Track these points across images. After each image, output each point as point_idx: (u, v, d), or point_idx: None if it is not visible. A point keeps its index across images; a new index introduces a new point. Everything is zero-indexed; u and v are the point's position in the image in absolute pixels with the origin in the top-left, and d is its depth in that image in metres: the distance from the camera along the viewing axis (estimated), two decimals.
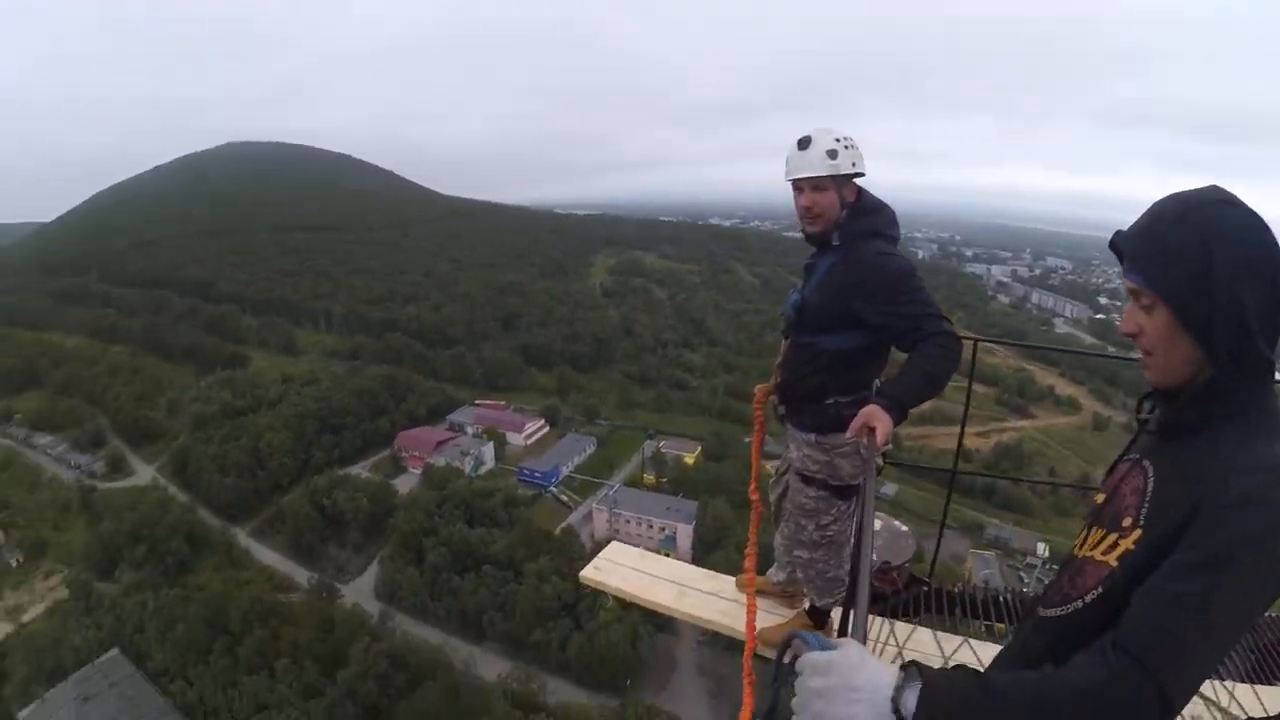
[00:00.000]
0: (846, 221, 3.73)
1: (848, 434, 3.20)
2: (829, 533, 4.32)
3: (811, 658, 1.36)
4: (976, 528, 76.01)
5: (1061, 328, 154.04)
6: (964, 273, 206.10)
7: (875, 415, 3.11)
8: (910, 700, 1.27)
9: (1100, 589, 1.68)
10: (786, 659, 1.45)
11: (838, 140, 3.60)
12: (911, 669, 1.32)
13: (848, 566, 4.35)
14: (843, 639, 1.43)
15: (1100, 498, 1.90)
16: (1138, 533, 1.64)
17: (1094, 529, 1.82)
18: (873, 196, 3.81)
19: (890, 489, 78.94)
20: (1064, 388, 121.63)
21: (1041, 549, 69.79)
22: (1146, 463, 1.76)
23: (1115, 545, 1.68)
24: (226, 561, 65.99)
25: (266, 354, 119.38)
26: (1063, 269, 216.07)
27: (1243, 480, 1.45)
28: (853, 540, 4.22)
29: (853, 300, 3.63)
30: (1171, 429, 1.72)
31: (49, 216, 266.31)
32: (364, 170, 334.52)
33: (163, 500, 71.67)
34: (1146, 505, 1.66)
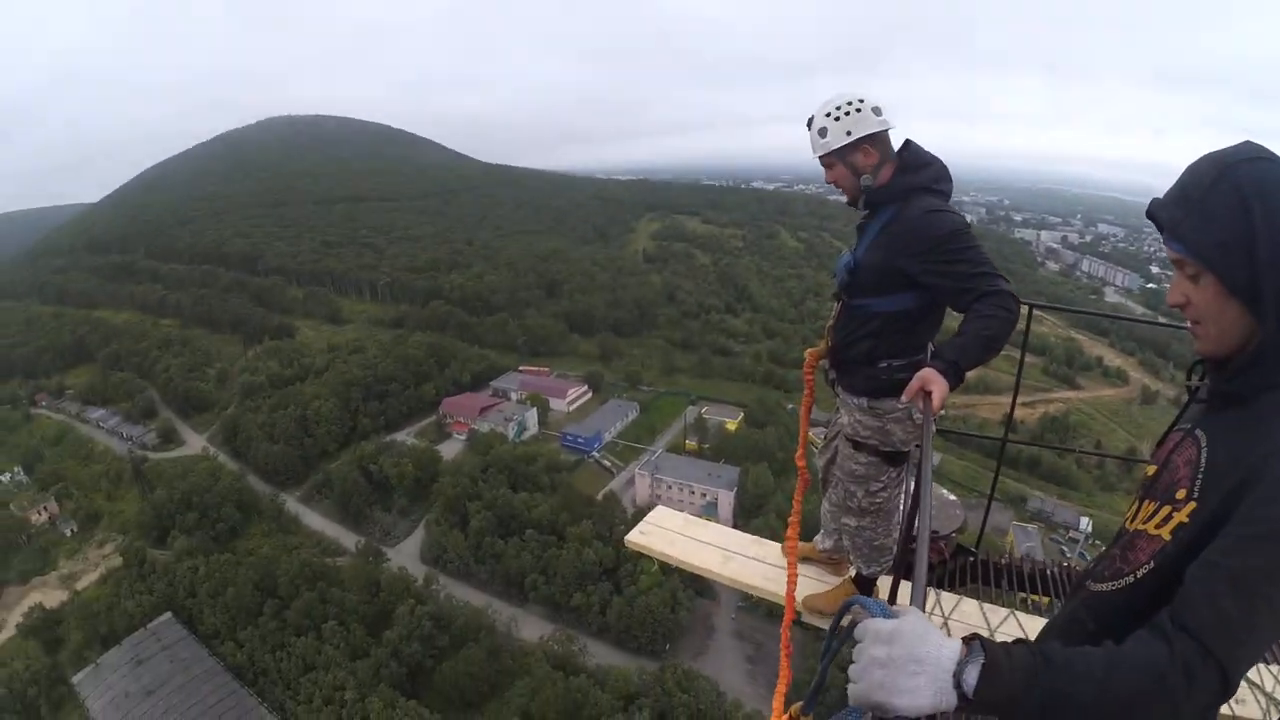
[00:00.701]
0: (894, 179, 3.60)
1: (903, 398, 3.09)
2: (878, 500, 4.24)
3: (875, 625, 1.34)
4: (1019, 499, 74.74)
5: (1111, 296, 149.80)
6: (1012, 238, 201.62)
7: (931, 378, 2.97)
8: (972, 676, 1.27)
9: (1152, 563, 1.65)
10: (844, 623, 1.44)
11: (828, 115, 3.55)
12: (975, 643, 1.33)
13: (895, 535, 4.36)
14: (905, 607, 1.42)
15: (1151, 470, 1.82)
16: (1191, 505, 1.58)
17: (1145, 502, 1.75)
18: (921, 151, 3.68)
19: (934, 458, 78.41)
20: (1113, 359, 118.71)
21: (1084, 523, 68.51)
22: (1199, 433, 1.68)
23: (1168, 518, 1.63)
24: (275, 527, 67.33)
25: (313, 324, 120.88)
26: (1114, 236, 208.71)
27: None
28: (905, 508, 4.26)
29: (903, 260, 3.50)
30: (1223, 399, 1.67)
31: (95, 197, 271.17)
32: (404, 140, 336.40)
33: (213, 468, 73.11)
34: (1200, 477, 1.60)
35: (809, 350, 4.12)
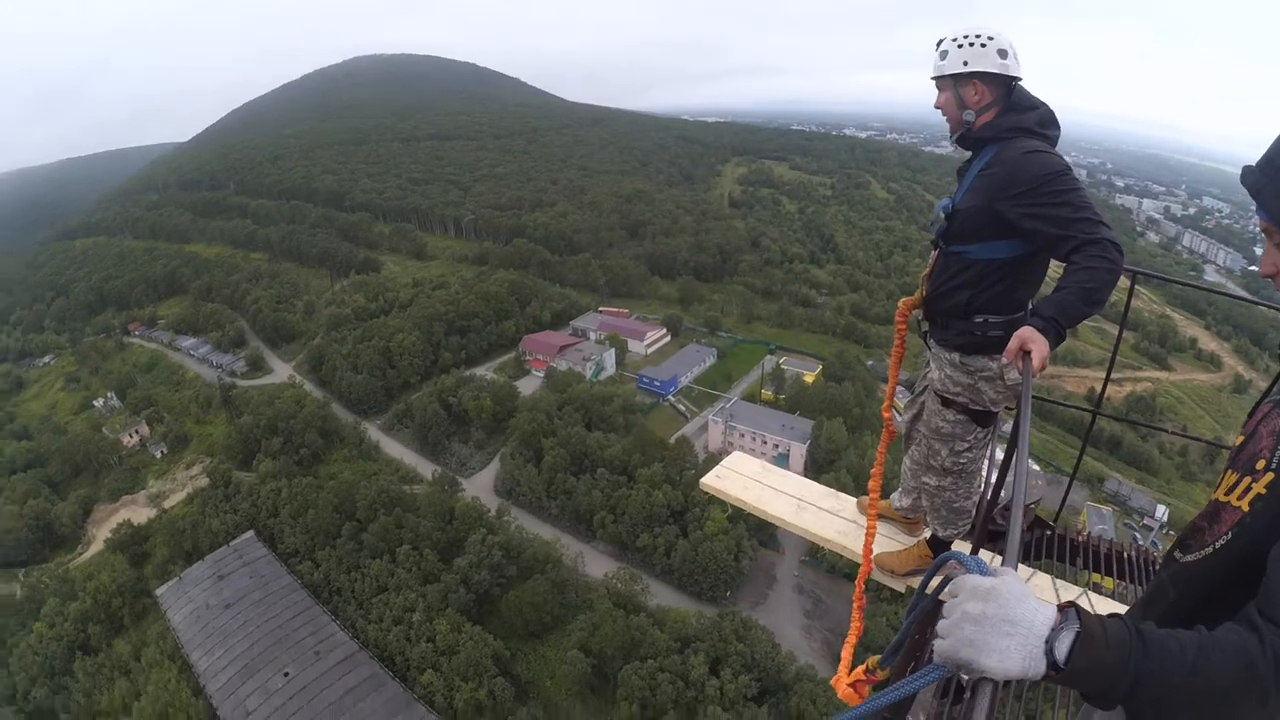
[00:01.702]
0: (996, 119, 3.55)
1: (1003, 359, 2.95)
2: (962, 460, 4.17)
3: (974, 581, 1.32)
4: (1097, 480, 72.30)
5: (1211, 275, 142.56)
6: (1113, 204, 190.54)
7: (1031, 337, 2.87)
8: (1065, 644, 1.25)
9: (1230, 534, 1.61)
10: (938, 579, 1.46)
11: (954, 40, 3.52)
12: (1070, 611, 1.30)
13: (976, 498, 4.33)
14: (1003, 568, 1.40)
15: (1239, 439, 1.79)
16: (1269, 476, 1.55)
17: (1229, 472, 1.71)
18: (1027, 94, 3.58)
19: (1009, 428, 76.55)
20: (1207, 342, 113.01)
21: (1161, 511, 65.89)
22: None
23: (1248, 489, 1.59)
24: (356, 453, 68.96)
25: (398, 259, 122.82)
26: (1219, 211, 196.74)
27: None
28: (988, 472, 4.25)
29: (1001, 202, 3.39)
30: None
31: (185, 136, 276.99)
32: (491, 79, 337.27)
33: (298, 396, 75.29)
34: None
35: (903, 299, 3.99)
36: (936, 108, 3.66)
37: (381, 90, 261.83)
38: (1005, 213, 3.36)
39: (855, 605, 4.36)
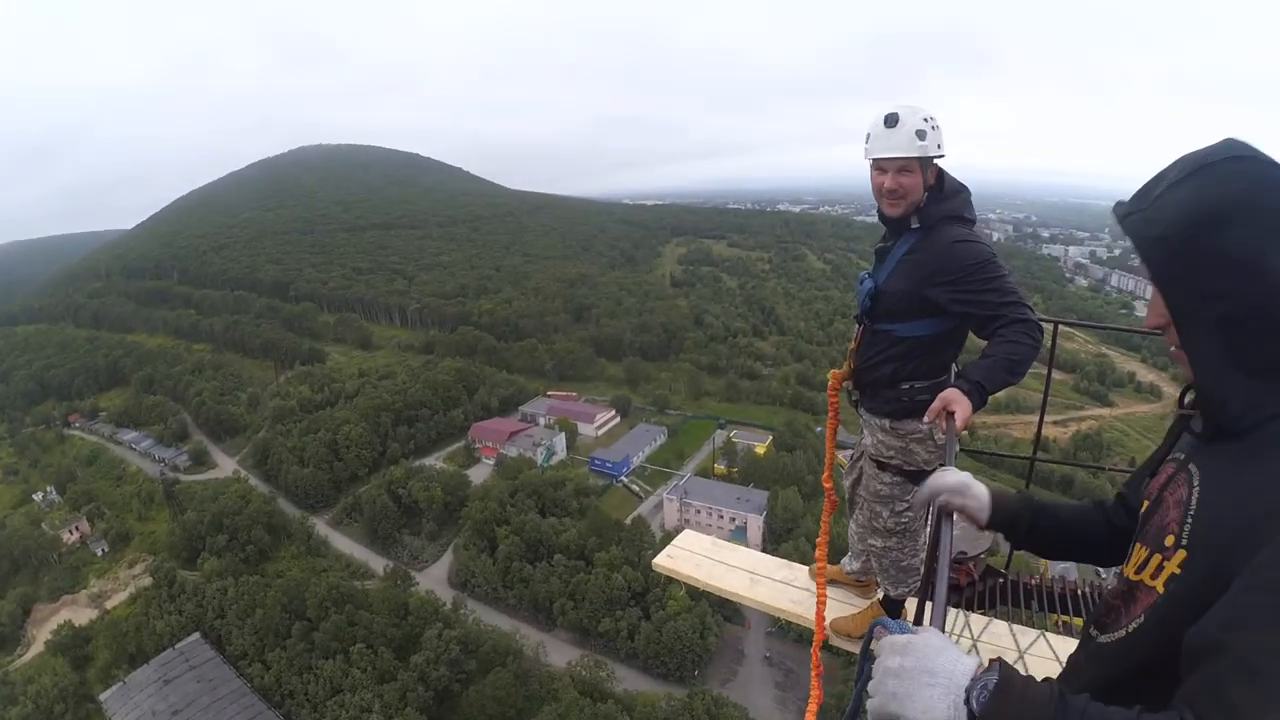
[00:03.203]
0: (927, 205, 3.58)
1: (926, 417, 3.10)
2: (904, 520, 4.26)
3: (891, 639, 1.33)
4: None
5: (1141, 310, 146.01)
6: (1040, 255, 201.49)
7: (955, 398, 3.01)
8: (982, 696, 1.22)
9: (1143, 618, 1.54)
10: (873, 647, 1.44)
11: (925, 120, 3.45)
12: (995, 665, 1.26)
13: (923, 555, 4.32)
14: (924, 626, 1.41)
15: (1145, 505, 1.71)
16: (1181, 554, 1.46)
17: (1137, 545, 1.65)
18: (954, 179, 3.66)
19: None
20: (1145, 374, 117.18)
21: None
22: (1192, 467, 1.56)
23: (1160, 568, 1.51)
24: (305, 550, 67.45)
25: (343, 349, 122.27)
26: None
27: None
28: (929, 528, 4.14)
29: (932, 288, 3.51)
30: (1215, 435, 1.52)
31: (130, 224, 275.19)
32: (433, 168, 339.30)
33: (244, 491, 73.37)
34: (1189, 522, 1.48)
35: (833, 372, 4.09)
36: (893, 189, 3.53)
37: (326, 180, 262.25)
38: (934, 297, 3.49)
39: (813, 674, 4.49)
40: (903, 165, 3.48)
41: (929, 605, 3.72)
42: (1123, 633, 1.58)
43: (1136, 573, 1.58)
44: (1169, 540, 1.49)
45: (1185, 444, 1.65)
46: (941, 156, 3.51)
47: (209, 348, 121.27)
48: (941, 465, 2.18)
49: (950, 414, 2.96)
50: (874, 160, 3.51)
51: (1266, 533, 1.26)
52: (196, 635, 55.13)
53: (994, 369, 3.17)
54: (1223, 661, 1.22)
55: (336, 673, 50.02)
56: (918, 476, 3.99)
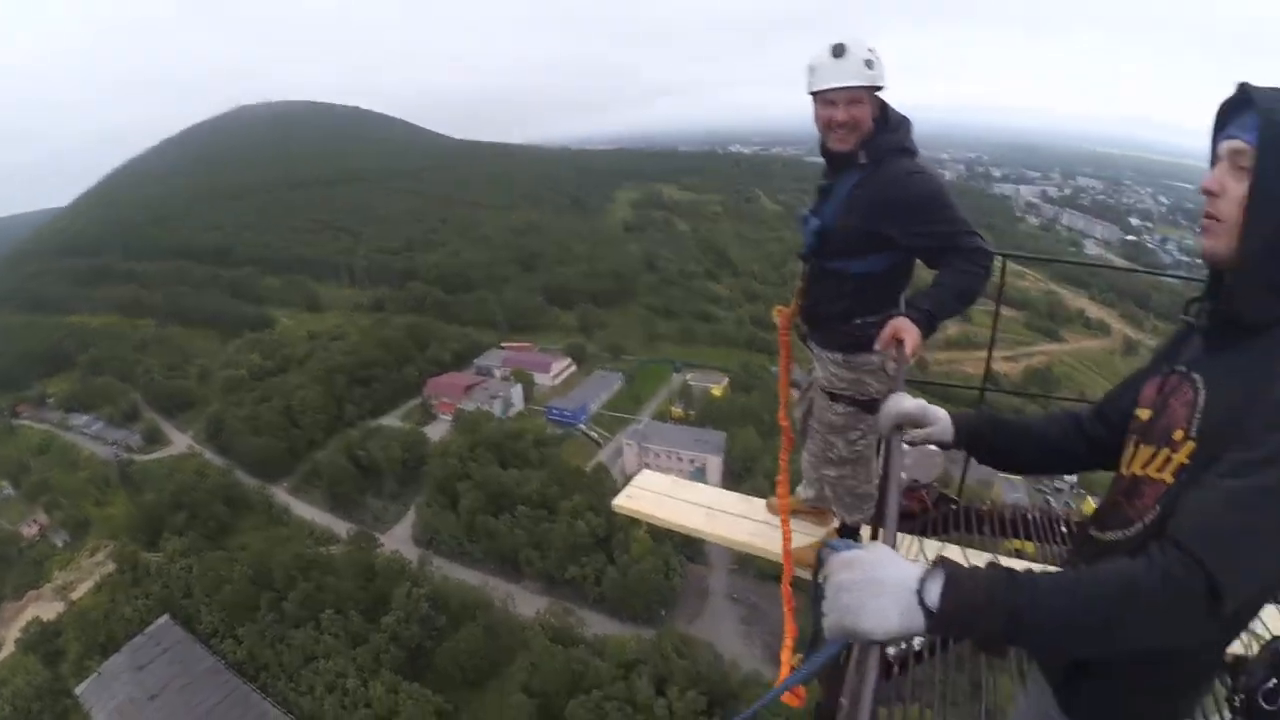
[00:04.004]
0: (874, 139, 3.51)
1: (877, 346, 3.17)
2: (858, 448, 4.27)
3: (839, 556, 1.37)
4: None
5: (1092, 249, 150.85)
6: (991, 193, 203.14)
7: (904, 327, 3.07)
8: (933, 592, 1.27)
9: (1158, 507, 1.64)
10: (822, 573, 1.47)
11: (870, 50, 3.39)
12: (938, 563, 1.33)
13: (876, 481, 4.31)
14: (872, 543, 1.45)
15: (1145, 413, 1.79)
16: (1190, 445, 1.57)
17: (1142, 445, 1.75)
18: (896, 111, 3.60)
19: None
20: (1094, 311, 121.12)
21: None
22: (1195, 375, 1.66)
23: (1169, 461, 1.62)
24: (266, 520, 67.09)
25: (291, 313, 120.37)
26: (1093, 189, 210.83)
27: None
28: (881, 455, 4.21)
29: (884, 223, 3.48)
30: (1223, 330, 1.63)
31: (64, 201, 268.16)
32: (374, 121, 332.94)
33: (200, 466, 72.80)
34: (1198, 417, 1.58)
35: (779, 310, 4.13)
36: (844, 121, 3.46)
37: (264, 139, 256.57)
38: (886, 231, 3.47)
39: (786, 609, 4.51)
40: (853, 96, 3.42)
41: (882, 523, 3.90)
42: (1140, 525, 1.67)
43: (1142, 468, 1.69)
44: (1178, 434, 1.59)
45: (1185, 357, 1.74)
46: (885, 88, 3.48)
47: (153, 322, 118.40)
48: (893, 393, 2.27)
49: (900, 342, 3.03)
50: (821, 93, 3.44)
51: (1262, 401, 1.39)
52: (165, 617, 54.79)
53: (943, 297, 3.24)
54: (1206, 496, 1.34)
55: (308, 641, 50.11)
56: (870, 406, 4.04)
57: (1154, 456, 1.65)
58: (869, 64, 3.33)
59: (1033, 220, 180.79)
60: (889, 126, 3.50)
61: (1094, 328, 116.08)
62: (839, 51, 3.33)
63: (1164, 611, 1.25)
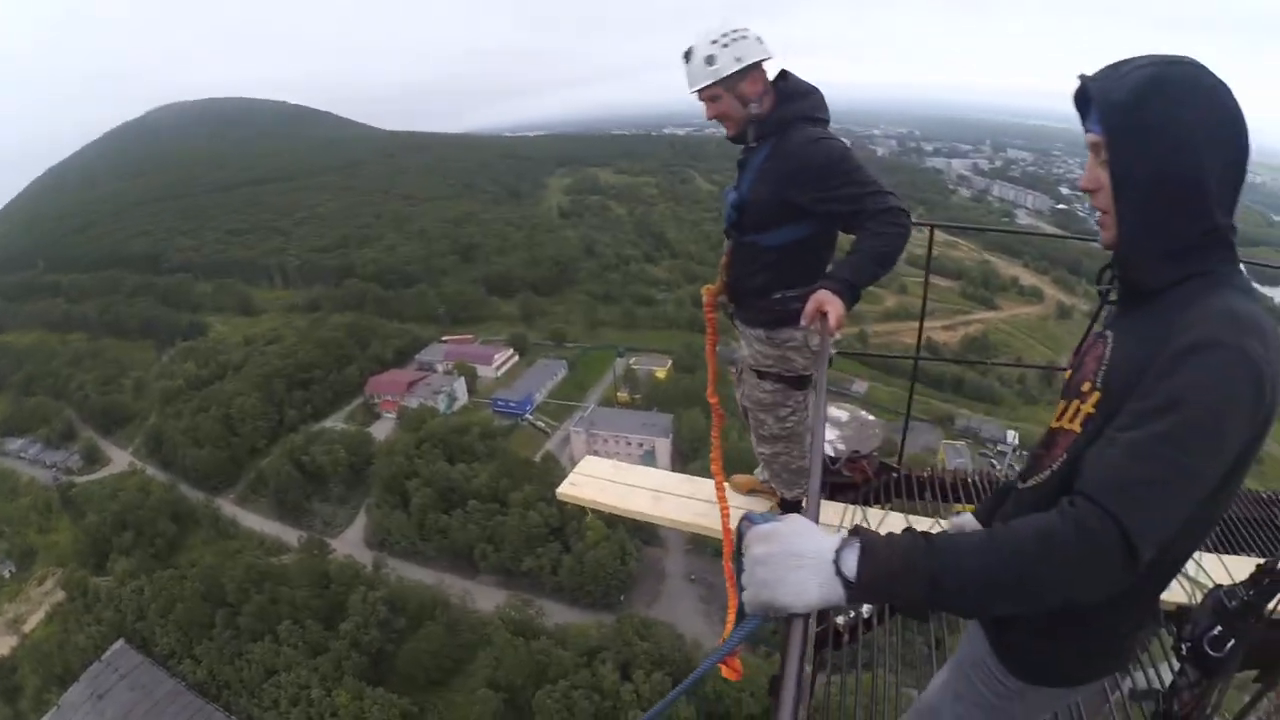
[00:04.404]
0: (777, 109, 3.61)
1: (802, 322, 3.13)
2: (788, 425, 4.35)
3: (755, 529, 1.36)
4: (947, 419, 78.47)
5: (1023, 219, 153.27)
6: (923, 168, 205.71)
7: (826, 299, 3.06)
8: (850, 562, 1.27)
9: (1066, 455, 1.71)
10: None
11: (714, 42, 3.47)
12: (854, 532, 1.33)
13: None
14: (790, 515, 1.42)
15: (1067, 373, 1.91)
16: (1096, 395, 1.65)
17: (1060, 402, 1.85)
18: (799, 81, 3.68)
19: (861, 386, 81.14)
20: (1028, 278, 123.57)
21: (1011, 436, 70.56)
22: (1109, 333, 1.77)
23: (1078, 412, 1.70)
24: (215, 534, 66.21)
25: (225, 318, 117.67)
26: (1023, 160, 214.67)
27: (1193, 330, 1.43)
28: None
29: (790, 192, 3.53)
30: (1129, 295, 1.74)
31: None
32: (302, 115, 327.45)
33: (142, 484, 71.28)
34: (1104, 369, 1.67)
35: (705, 288, 4.19)
36: (715, 118, 3.68)
37: (189, 139, 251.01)
38: (795, 200, 3.51)
39: (729, 583, 4.46)
40: (708, 94, 3.57)
41: (823, 505, 4.15)
42: (1047, 473, 1.79)
43: (1056, 421, 1.82)
44: (1086, 386, 1.70)
45: (1106, 319, 1.87)
46: (751, 66, 3.50)
47: (85, 336, 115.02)
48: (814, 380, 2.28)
49: (824, 315, 3.03)
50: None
51: (1157, 354, 1.45)
52: (121, 642, 54.03)
53: (861, 264, 3.22)
54: (1108, 447, 1.39)
55: (268, 654, 50.03)
56: (798, 382, 4.17)
57: (1066, 409, 1.77)
58: (709, 59, 3.45)
59: (965, 192, 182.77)
60: (791, 96, 3.61)
61: (1028, 294, 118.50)
62: (687, 56, 3.53)
63: (1081, 565, 1.25)
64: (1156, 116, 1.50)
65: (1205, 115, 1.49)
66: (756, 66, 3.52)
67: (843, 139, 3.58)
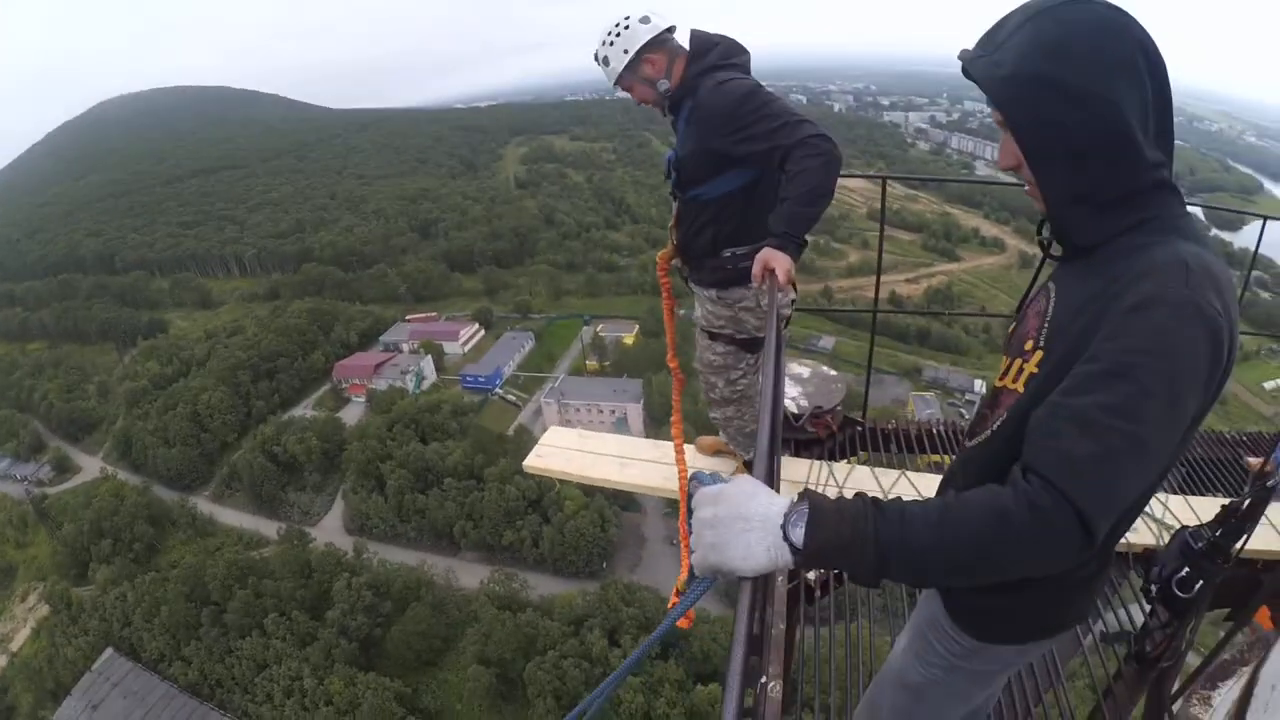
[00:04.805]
0: (685, 72, 3.69)
1: (753, 283, 3.19)
2: (739, 387, 4.39)
3: (702, 491, 1.35)
4: (915, 371, 79.55)
5: (982, 169, 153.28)
6: (881, 122, 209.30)
7: (771, 256, 3.08)
8: (798, 528, 1.25)
9: (1006, 414, 1.69)
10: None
11: (603, 44, 3.69)
12: (803, 496, 1.30)
13: None
14: (738, 476, 1.39)
15: (1012, 328, 1.90)
16: (1038, 354, 1.62)
17: (1004, 359, 1.82)
18: (705, 36, 3.74)
19: (828, 342, 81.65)
20: (988, 229, 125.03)
21: (978, 385, 72.00)
22: (1050, 284, 1.75)
23: (1021, 371, 1.67)
24: (193, 533, 65.88)
25: (184, 313, 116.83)
26: (982, 112, 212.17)
27: (1141, 284, 1.37)
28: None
29: (712, 141, 3.56)
30: (1069, 251, 1.71)
31: None
32: (247, 100, 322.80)
33: (115, 489, 70.30)
34: (1046, 326, 1.64)
35: (659, 253, 4.19)
36: (640, 104, 3.89)
37: (134, 133, 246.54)
38: (718, 148, 3.52)
39: (682, 543, 4.68)
40: (623, 88, 3.81)
41: (785, 461, 4.22)
42: (988, 432, 1.76)
43: (1000, 379, 1.78)
44: (1028, 345, 1.67)
45: (1049, 271, 1.85)
46: (636, 55, 3.65)
47: (44, 344, 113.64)
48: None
49: (772, 272, 3.04)
50: None
51: (1103, 313, 1.40)
52: (109, 651, 53.83)
53: (794, 211, 3.18)
54: (1058, 418, 1.34)
55: (257, 649, 50.13)
56: (750, 344, 4.20)
57: (1009, 367, 1.73)
58: (605, 60, 3.70)
59: (923, 146, 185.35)
60: (695, 55, 3.68)
61: (990, 245, 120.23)
62: (596, 60, 3.78)
63: (1034, 544, 1.23)
64: (1048, 79, 1.42)
65: (1102, 57, 1.41)
66: (649, 48, 3.65)
67: (753, 78, 3.59)
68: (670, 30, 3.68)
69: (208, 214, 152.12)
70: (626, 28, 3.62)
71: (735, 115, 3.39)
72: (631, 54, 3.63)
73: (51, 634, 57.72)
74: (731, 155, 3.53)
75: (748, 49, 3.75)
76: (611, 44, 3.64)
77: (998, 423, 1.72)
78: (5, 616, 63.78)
